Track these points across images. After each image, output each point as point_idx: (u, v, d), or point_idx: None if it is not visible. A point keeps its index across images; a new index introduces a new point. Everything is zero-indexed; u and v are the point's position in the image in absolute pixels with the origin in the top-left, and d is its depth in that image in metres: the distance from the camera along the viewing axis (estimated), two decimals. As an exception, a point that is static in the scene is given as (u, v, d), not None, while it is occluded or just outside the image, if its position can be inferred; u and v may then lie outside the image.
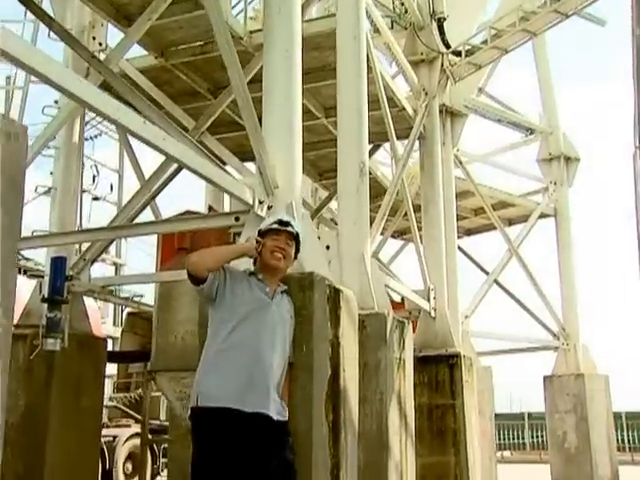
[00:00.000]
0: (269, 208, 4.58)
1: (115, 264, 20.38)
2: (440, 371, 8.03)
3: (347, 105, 6.25)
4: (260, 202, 4.50)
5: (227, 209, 8.98)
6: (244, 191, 4.43)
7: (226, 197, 9.30)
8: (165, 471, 12.15)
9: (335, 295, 4.49)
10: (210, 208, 7.97)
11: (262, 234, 3.92)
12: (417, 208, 8.77)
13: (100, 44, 7.03)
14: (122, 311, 21.24)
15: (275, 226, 3.88)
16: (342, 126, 6.26)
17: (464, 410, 7.97)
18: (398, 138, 7.97)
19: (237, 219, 4.80)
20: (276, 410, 3.69)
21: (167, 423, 10.70)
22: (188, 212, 7.54)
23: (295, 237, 3.95)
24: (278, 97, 4.80)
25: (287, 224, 3.91)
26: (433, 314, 8.27)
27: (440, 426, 7.83)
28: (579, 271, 11.95)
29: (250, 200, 4.46)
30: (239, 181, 4.58)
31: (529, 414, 26.02)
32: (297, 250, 4.00)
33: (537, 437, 25.21)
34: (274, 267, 3.89)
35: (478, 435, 8.46)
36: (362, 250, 5.90)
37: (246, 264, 4.03)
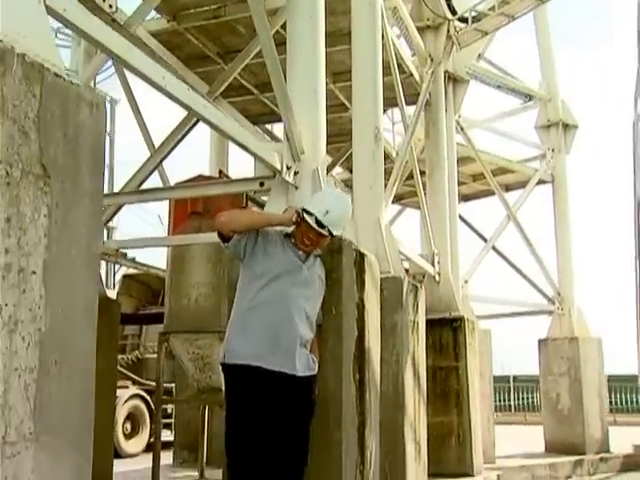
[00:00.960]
0: (295, 174, 4.66)
1: (107, 227, 20.35)
2: (444, 334, 8.21)
3: (362, 71, 6.29)
4: (288, 168, 4.57)
5: (232, 173, 9.03)
6: (273, 156, 4.50)
7: (231, 160, 9.37)
8: (164, 432, 12.31)
9: (360, 259, 4.61)
10: (220, 172, 8.02)
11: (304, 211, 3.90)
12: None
13: (110, 6, 6.97)
14: (114, 274, 21.29)
15: (313, 225, 3.84)
16: (356, 92, 6.31)
17: (467, 372, 8.17)
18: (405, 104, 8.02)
19: (262, 184, 4.87)
20: (303, 364, 3.79)
21: (166, 385, 10.83)
22: (201, 176, 7.59)
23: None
24: (303, 63, 4.84)
25: (323, 227, 3.85)
26: (437, 278, 8.43)
27: (444, 387, 8.03)
28: (575, 237, 12.15)
29: (278, 165, 4.53)
30: (268, 146, 4.64)
31: (514, 377, 26.46)
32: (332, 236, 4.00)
33: (522, 399, 25.76)
34: (302, 250, 3.94)
35: (479, 396, 8.68)
36: (378, 215, 6.01)
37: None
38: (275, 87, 4.52)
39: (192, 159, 10.12)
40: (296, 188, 4.65)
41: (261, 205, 7.24)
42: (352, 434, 4.26)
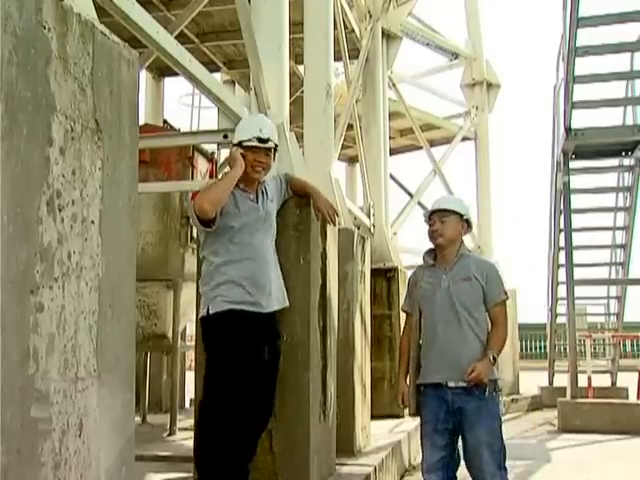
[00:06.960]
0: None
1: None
2: (378, 284, 8.52)
3: (314, 27, 6.36)
4: (256, 122, 4.69)
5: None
6: (243, 109, 4.62)
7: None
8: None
9: (323, 212, 4.81)
10: (165, 122, 8.00)
11: (241, 144, 3.97)
12: (350, 127, 9.02)
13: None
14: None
15: (255, 144, 3.93)
16: (308, 47, 6.39)
17: (399, 320, 8.55)
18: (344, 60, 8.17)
19: (225, 137, 4.96)
20: (277, 300, 3.94)
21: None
22: (147, 125, 7.57)
23: (274, 148, 4.04)
24: (268, 22, 4.91)
25: (266, 141, 3.95)
26: (372, 230, 8.74)
27: (378, 334, 8.37)
28: (495, 192, 12.71)
29: (246, 119, 4.64)
30: (236, 99, 4.74)
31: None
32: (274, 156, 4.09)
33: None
34: (257, 180, 4.01)
35: (408, 343, 9.11)
36: (328, 169, 6.20)
37: None
38: (246, 42, 4.60)
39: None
40: (261, 142, 4.76)
41: (206, 156, 7.33)
42: (317, 377, 4.52)
